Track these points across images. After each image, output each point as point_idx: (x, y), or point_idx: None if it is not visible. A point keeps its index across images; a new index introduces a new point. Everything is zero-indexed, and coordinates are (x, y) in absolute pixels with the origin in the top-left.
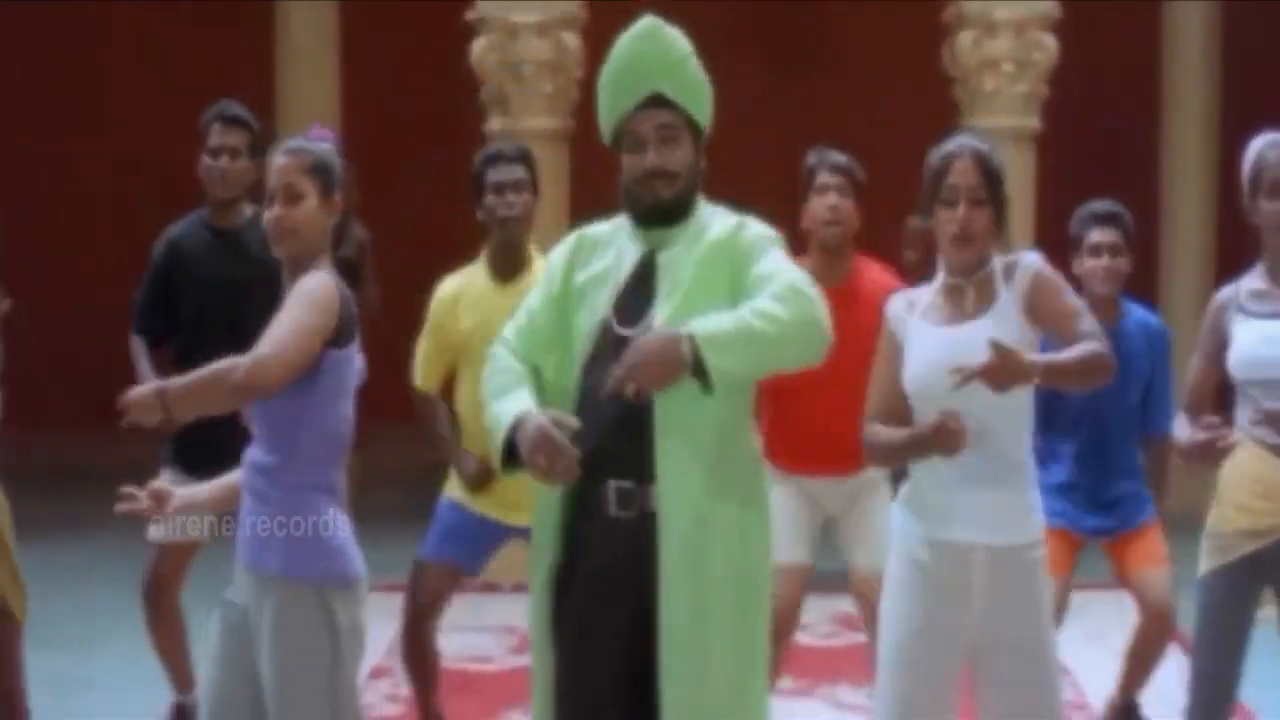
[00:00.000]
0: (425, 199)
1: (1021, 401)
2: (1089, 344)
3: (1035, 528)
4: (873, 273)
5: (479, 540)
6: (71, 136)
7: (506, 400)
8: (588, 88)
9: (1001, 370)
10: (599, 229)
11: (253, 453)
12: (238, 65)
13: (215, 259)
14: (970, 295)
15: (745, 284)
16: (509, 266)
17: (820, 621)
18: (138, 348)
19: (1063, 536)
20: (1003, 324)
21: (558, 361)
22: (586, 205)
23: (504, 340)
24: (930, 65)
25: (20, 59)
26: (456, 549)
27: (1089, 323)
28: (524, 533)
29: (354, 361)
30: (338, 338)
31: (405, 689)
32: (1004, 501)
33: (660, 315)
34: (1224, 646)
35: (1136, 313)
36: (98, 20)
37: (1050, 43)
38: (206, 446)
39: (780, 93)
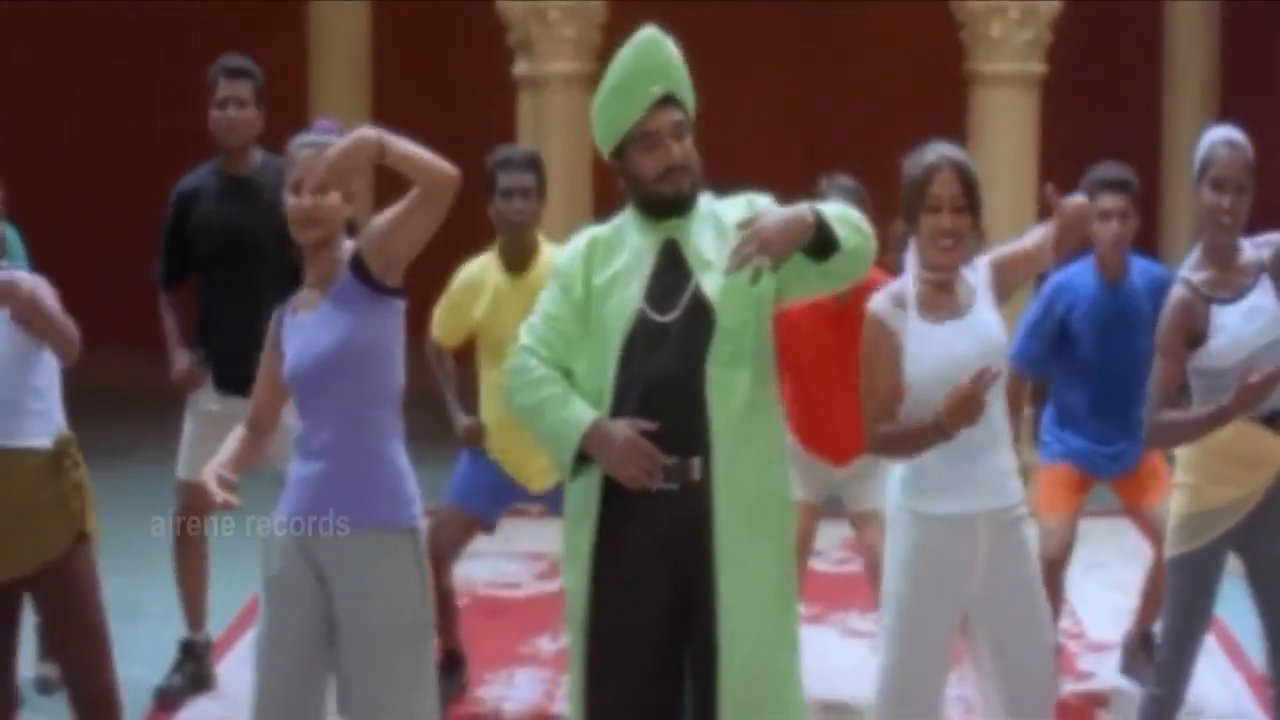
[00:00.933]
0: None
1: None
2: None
3: (1019, 487)
4: (876, 286)
5: (497, 493)
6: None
7: (567, 408)
8: (610, 32)
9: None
10: (605, 231)
11: (326, 423)
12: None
13: (226, 205)
14: (955, 292)
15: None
16: (518, 262)
17: (832, 548)
18: (167, 314)
19: (1072, 475)
20: (988, 313)
21: (588, 360)
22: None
23: (529, 349)
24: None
25: (76, 56)
26: (476, 501)
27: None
28: (538, 497)
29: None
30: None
31: None
32: (996, 467)
33: (707, 286)
34: (1199, 618)
35: (1140, 266)
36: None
37: None
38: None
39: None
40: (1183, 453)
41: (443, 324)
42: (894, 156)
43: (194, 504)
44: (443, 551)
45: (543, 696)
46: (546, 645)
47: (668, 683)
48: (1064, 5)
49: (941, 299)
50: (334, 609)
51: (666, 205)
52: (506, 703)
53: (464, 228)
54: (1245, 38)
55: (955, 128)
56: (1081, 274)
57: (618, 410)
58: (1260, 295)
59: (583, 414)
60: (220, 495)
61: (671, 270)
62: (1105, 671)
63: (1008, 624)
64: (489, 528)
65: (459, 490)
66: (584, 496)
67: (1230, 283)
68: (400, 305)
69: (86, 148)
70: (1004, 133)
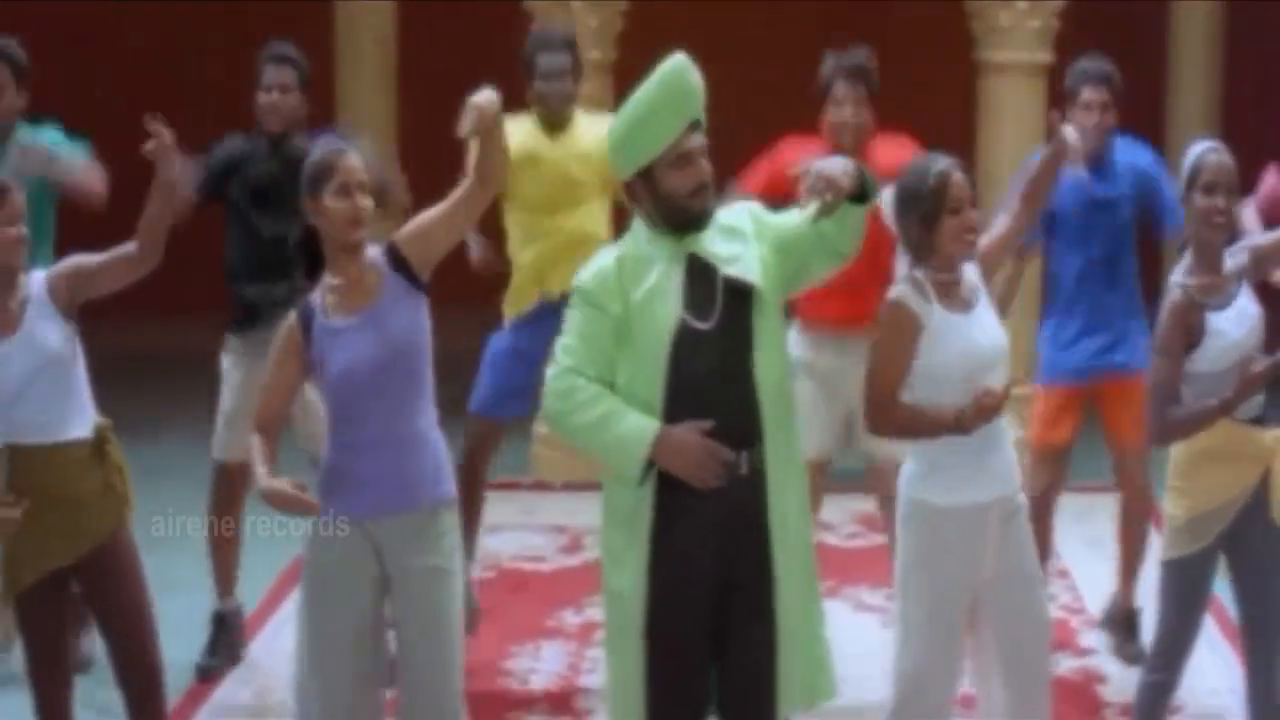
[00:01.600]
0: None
1: None
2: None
3: (1019, 473)
4: (885, 152)
5: (525, 381)
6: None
7: (627, 421)
8: (631, 19)
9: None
10: (629, 249)
11: (375, 418)
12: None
13: (268, 159)
14: (962, 286)
15: (784, 233)
16: (556, 127)
17: (843, 522)
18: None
19: (1063, 399)
20: (989, 307)
21: (628, 373)
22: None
23: (573, 370)
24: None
25: (99, 56)
26: (506, 401)
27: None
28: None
29: None
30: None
31: None
32: (1003, 456)
33: (733, 270)
34: (1194, 615)
35: (1124, 152)
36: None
37: None
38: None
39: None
40: (1176, 459)
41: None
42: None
43: (234, 484)
44: (478, 454)
45: (568, 670)
46: (571, 618)
47: (707, 670)
48: None
49: (954, 292)
50: (393, 590)
51: (694, 220)
52: (534, 675)
53: None
54: (1250, 24)
55: (965, 115)
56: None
57: (672, 415)
58: (1245, 299)
59: (645, 425)
60: (305, 502)
61: (701, 279)
62: (1104, 646)
63: (1012, 605)
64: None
65: (489, 402)
66: (633, 501)
67: (1220, 288)
68: (427, 300)
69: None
70: (1013, 120)
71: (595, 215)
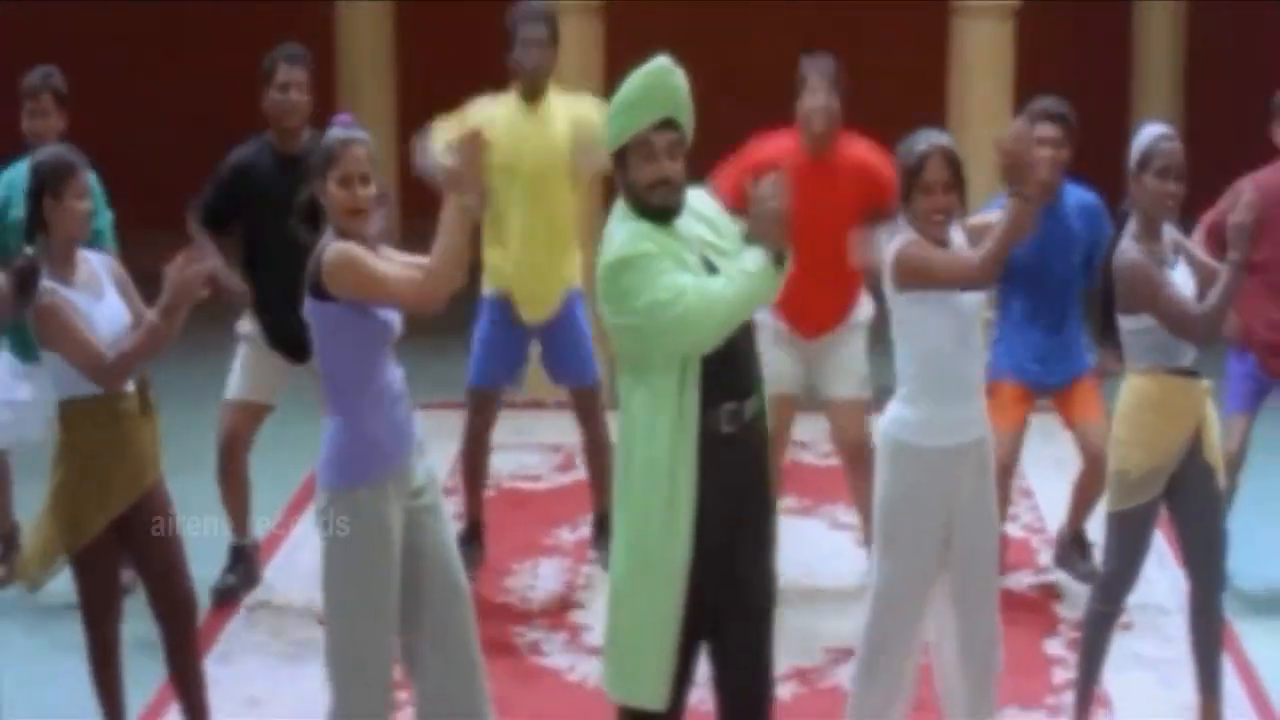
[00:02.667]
0: None
1: None
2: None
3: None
4: (853, 148)
5: (513, 352)
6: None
7: (738, 271)
8: None
9: None
10: (636, 230)
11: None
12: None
13: (279, 180)
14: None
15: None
16: (533, 95)
17: (820, 441)
18: (205, 239)
19: (1016, 390)
20: None
21: None
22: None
23: (681, 286)
24: None
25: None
26: (498, 369)
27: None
28: (538, 332)
29: None
30: None
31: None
32: (980, 404)
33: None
34: (1139, 557)
35: (1074, 194)
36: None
37: None
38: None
39: None
40: (1123, 414)
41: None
42: (879, 81)
43: (240, 424)
44: (481, 425)
45: (564, 586)
46: (566, 535)
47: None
48: None
49: None
50: (416, 540)
51: (654, 212)
52: (532, 591)
53: None
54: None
55: (938, 58)
56: None
57: (705, 365)
58: (1181, 269)
59: (748, 259)
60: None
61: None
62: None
63: (978, 546)
64: (516, 388)
65: (481, 366)
66: (670, 456)
67: (1159, 255)
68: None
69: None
70: (981, 62)
71: (564, 196)
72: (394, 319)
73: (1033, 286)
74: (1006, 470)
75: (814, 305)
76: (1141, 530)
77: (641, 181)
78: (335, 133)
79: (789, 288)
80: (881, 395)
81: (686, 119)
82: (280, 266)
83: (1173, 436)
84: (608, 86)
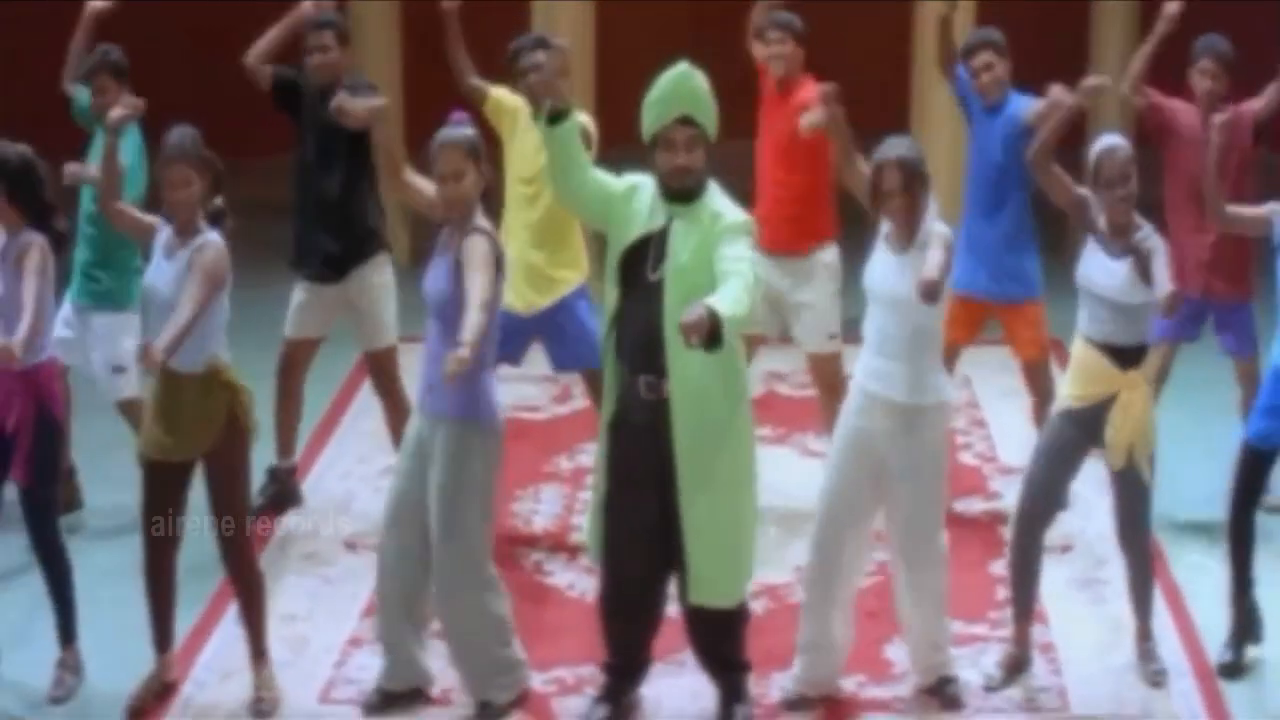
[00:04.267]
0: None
1: None
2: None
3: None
4: (810, 90)
5: (519, 338)
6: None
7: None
8: None
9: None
10: (650, 185)
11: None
12: None
13: (319, 108)
14: (914, 238)
15: (717, 255)
16: (536, 113)
17: (795, 373)
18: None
19: (965, 306)
20: (919, 259)
21: (614, 236)
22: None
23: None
24: None
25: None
26: (505, 351)
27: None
28: (539, 320)
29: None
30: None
31: None
32: (920, 365)
33: (671, 267)
34: (1055, 468)
35: (1014, 102)
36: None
37: None
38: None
39: None
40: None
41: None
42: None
43: (295, 357)
44: None
45: (564, 510)
46: (564, 464)
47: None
48: None
49: (894, 241)
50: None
51: (671, 194)
52: (535, 516)
53: None
54: None
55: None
56: (969, 98)
57: (619, 334)
58: (1118, 264)
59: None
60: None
61: (663, 239)
62: (1011, 493)
63: (908, 474)
64: (518, 364)
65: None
66: (609, 396)
67: (1111, 247)
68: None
69: None
70: None
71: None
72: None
73: (984, 187)
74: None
75: (788, 228)
76: (1056, 442)
77: (662, 168)
78: (440, 134)
79: (762, 200)
80: (851, 326)
81: (706, 117)
82: (310, 185)
83: (1085, 391)
84: (598, 64)
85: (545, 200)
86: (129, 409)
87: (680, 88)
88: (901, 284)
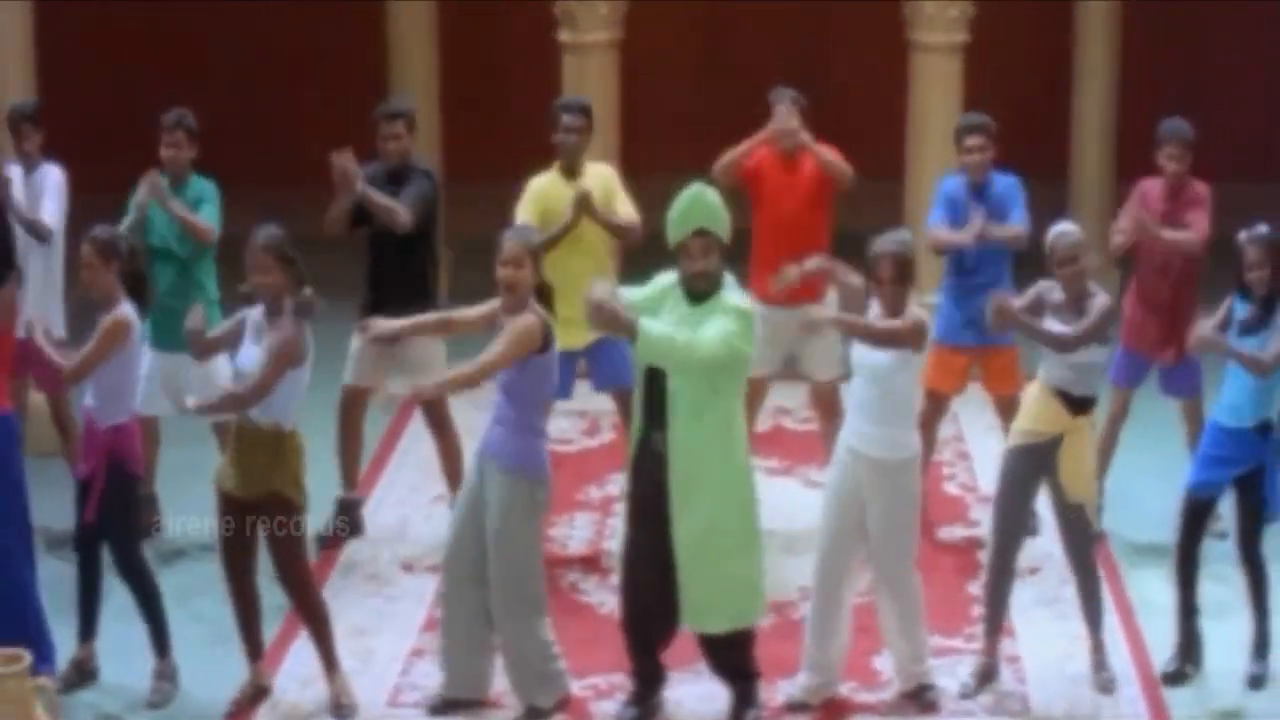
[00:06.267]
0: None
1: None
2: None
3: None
4: (818, 154)
5: (571, 373)
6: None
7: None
8: (632, 7)
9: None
10: (673, 282)
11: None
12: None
13: (389, 192)
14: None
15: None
16: (571, 172)
17: (800, 408)
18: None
19: (947, 356)
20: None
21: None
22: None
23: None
24: None
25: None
26: (562, 389)
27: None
28: (584, 354)
29: (552, 364)
30: (541, 348)
31: None
32: (888, 427)
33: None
34: (1016, 497)
35: (999, 180)
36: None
37: None
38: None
39: None
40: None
41: (525, 210)
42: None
43: (354, 400)
44: None
45: (595, 535)
46: (595, 492)
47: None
48: None
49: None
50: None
51: (693, 295)
52: (570, 541)
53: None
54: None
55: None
56: (956, 183)
57: (646, 390)
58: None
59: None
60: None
61: None
62: (989, 520)
63: (886, 518)
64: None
65: None
66: (634, 444)
67: (1063, 314)
68: (539, 359)
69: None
70: (936, 89)
71: (599, 246)
72: None
73: (969, 258)
74: (930, 422)
75: (791, 294)
76: (1014, 475)
77: (684, 272)
78: (509, 229)
79: (765, 253)
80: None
81: (719, 227)
82: (386, 256)
83: (1036, 428)
84: (623, 110)
85: (584, 246)
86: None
87: (694, 205)
88: (881, 356)
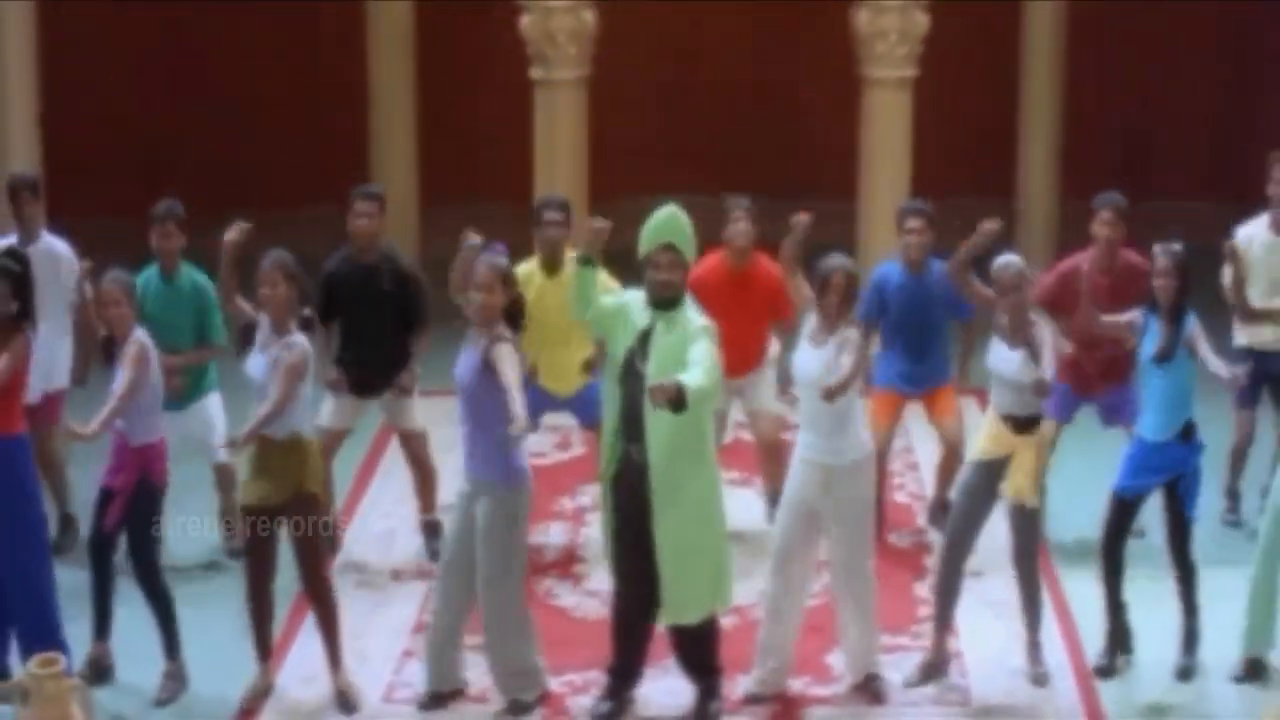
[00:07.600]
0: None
1: None
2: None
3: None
4: (764, 264)
5: (539, 406)
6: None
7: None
8: (601, 45)
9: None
10: (639, 298)
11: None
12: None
13: (359, 278)
14: (834, 334)
15: (688, 350)
16: (553, 267)
17: None
18: (322, 339)
19: (890, 396)
20: (834, 350)
21: (612, 342)
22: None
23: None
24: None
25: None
26: (532, 419)
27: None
28: (566, 403)
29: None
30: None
31: None
32: (839, 437)
33: (652, 363)
34: (971, 507)
35: (937, 266)
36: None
37: (923, 18)
38: (369, 383)
39: None
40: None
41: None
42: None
43: (328, 444)
44: None
45: (569, 542)
46: (568, 503)
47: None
48: (931, 21)
49: (818, 336)
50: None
51: (654, 303)
52: (546, 549)
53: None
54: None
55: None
56: (893, 269)
57: (623, 406)
58: (1015, 354)
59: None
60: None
61: (648, 340)
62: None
63: (842, 520)
64: (535, 429)
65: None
66: (611, 455)
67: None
68: None
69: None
70: (887, 120)
71: (578, 335)
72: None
73: (902, 332)
74: (882, 453)
75: (738, 362)
76: (965, 489)
77: (650, 281)
78: (482, 256)
79: (724, 350)
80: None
81: (685, 245)
82: (363, 337)
83: (992, 449)
84: (592, 148)
85: (565, 337)
86: (221, 471)
87: (667, 224)
88: (820, 371)
